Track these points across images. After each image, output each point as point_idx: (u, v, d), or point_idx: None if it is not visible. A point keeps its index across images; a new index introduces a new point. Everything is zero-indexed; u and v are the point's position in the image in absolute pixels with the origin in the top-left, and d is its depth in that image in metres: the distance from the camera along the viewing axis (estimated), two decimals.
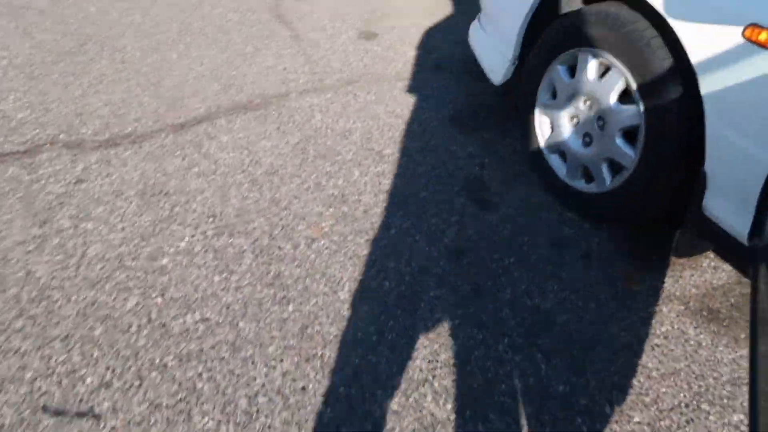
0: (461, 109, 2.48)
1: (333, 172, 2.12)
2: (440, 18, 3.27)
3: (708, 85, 1.41)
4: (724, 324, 1.64)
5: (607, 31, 1.67)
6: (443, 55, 2.89)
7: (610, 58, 1.69)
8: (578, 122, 1.89)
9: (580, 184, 1.94)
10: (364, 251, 1.81)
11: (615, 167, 1.80)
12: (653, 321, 1.64)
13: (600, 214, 1.90)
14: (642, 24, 1.60)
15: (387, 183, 2.08)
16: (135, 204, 1.94)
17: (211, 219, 1.90)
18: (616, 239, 1.88)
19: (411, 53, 2.90)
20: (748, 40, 1.30)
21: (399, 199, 2.01)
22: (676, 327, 1.62)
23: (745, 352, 1.56)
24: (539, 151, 2.07)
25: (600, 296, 1.70)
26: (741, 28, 1.31)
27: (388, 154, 2.22)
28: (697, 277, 1.77)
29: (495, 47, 2.22)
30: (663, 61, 1.55)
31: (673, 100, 1.54)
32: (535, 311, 1.65)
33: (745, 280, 1.76)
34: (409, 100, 2.53)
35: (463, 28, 3.11)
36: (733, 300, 1.71)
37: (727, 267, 1.80)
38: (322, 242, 1.83)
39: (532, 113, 2.07)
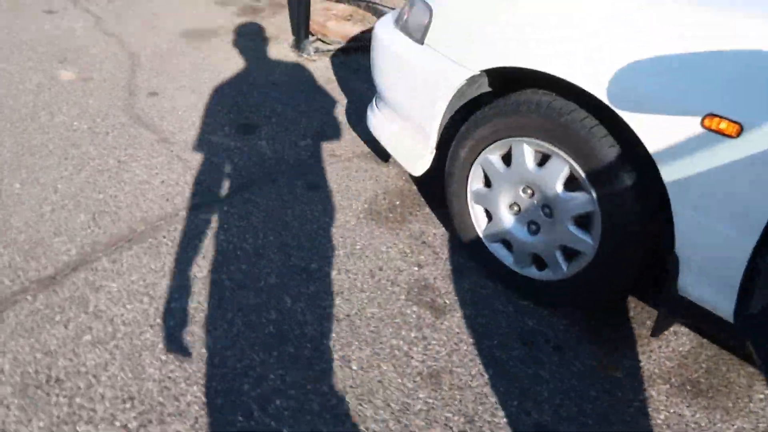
0: (374, 201, 2.32)
1: (261, 305, 1.82)
2: (319, 101, 3.11)
3: (670, 173, 1.40)
4: (709, 396, 1.63)
5: (542, 119, 1.63)
6: (333, 139, 2.73)
7: (550, 147, 1.65)
8: (519, 210, 1.83)
9: (532, 272, 1.87)
10: (332, 401, 1.54)
11: (569, 252, 1.76)
12: (649, 409, 1.59)
13: (557, 300, 1.84)
14: (579, 113, 1.57)
15: (327, 305, 1.83)
16: (15, 409, 1.47)
17: (128, 404, 1.49)
18: (577, 323, 1.83)
19: (301, 142, 2.70)
20: (708, 129, 1.31)
21: (347, 323, 1.77)
22: (672, 411, 1.58)
23: (740, 421, 1.56)
24: (478, 240, 1.98)
25: (590, 393, 1.61)
26: (699, 118, 1.32)
27: (315, 269, 1.97)
28: (665, 348, 1.77)
29: (407, 136, 2.11)
30: (610, 148, 1.53)
31: (628, 187, 1.52)
32: (538, 428, 1.51)
33: (706, 342, 1.79)
34: (317, 198, 2.31)
35: (332, 109, 2.99)
36: (704, 366, 1.72)
37: (684, 330, 1.83)
38: (279, 402, 1.53)
39: (465, 203, 1.97)
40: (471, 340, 1.75)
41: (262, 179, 2.41)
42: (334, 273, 1.96)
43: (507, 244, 1.92)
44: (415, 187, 2.42)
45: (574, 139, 1.58)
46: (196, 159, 2.53)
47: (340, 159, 2.58)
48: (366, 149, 2.66)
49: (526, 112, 1.66)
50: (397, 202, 2.34)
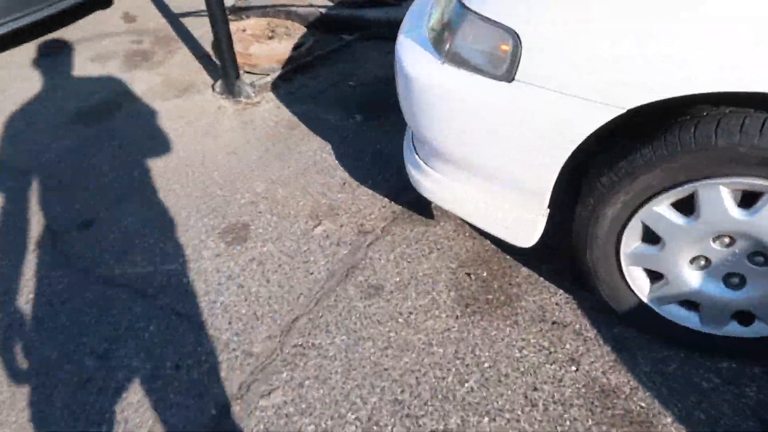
0: (458, 284, 1.77)
1: None
2: (300, 159, 2.43)
3: None
4: None
5: (755, 149, 1.15)
6: (349, 210, 2.11)
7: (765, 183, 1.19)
8: (709, 264, 1.37)
9: (734, 329, 1.43)
10: None
11: None
12: None
13: None
14: None
15: None
16: None
17: None
18: None
19: (315, 230, 2.05)
20: None
21: None
22: None
23: None
24: (643, 307, 1.51)
25: None
26: None
27: None
28: None
29: (501, 200, 1.56)
30: None
31: None
32: None
33: None
34: (388, 308, 1.73)
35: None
36: None
37: None
38: None
39: (616, 267, 1.48)
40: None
41: (304, 308, 1.77)
42: (489, 423, 1.42)
43: (689, 304, 1.47)
44: (491, 244, 1.89)
45: None
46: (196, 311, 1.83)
47: (376, 235, 1.98)
48: (397, 208, 2.07)
49: (725, 144, 1.17)
50: (485, 274, 1.80)
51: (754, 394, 1.42)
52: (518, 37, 1.31)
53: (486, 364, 1.55)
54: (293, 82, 2.90)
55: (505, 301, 1.71)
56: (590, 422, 1.40)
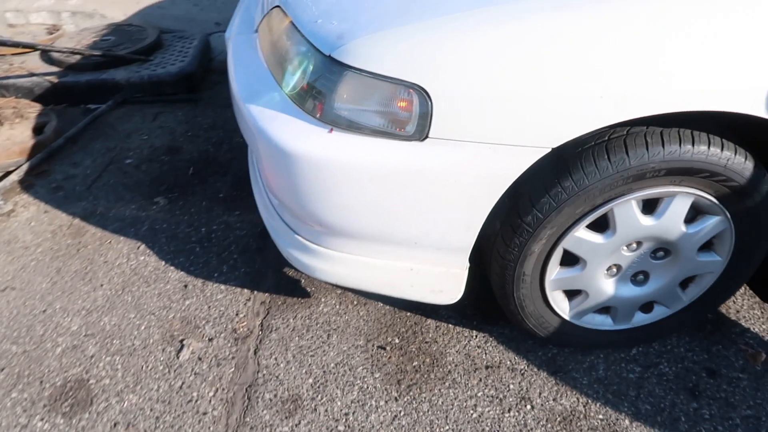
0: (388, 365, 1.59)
1: None
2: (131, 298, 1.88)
3: None
4: None
5: (667, 162, 1.26)
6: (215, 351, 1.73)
7: (670, 190, 1.31)
8: (618, 270, 1.46)
9: (641, 319, 1.57)
10: None
11: (685, 282, 1.52)
12: None
13: (672, 330, 1.61)
14: (711, 141, 1.26)
15: None
16: None
17: None
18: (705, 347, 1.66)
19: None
20: None
21: None
22: None
23: None
24: (566, 326, 1.55)
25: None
26: None
27: None
28: None
29: (424, 264, 1.43)
30: (746, 162, 1.28)
31: (763, 190, 1.33)
32: None
33: None
34: None
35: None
36: None
37: None
38: None
39: (541, 298, 1.49)
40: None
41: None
42: None
43: (604, 310, 1.56)
44: (383, 305, 1.75)
45: (705, 169, 1.28)
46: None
47: (257, 336, 1.65)
48: (264, 296, 1.77)
49: (638, 163, 1.25)
50: (398, 341, 1.65)
51: (668, 368, 1.59)
52: (426, 92, 1.21)
53: None
54: (52, 175, 2.29)
55: (431, 362, 1.60)
56: None
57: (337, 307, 1.76)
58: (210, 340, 1.65)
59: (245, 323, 1.70)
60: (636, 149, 1.25)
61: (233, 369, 1.57)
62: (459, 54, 1.18)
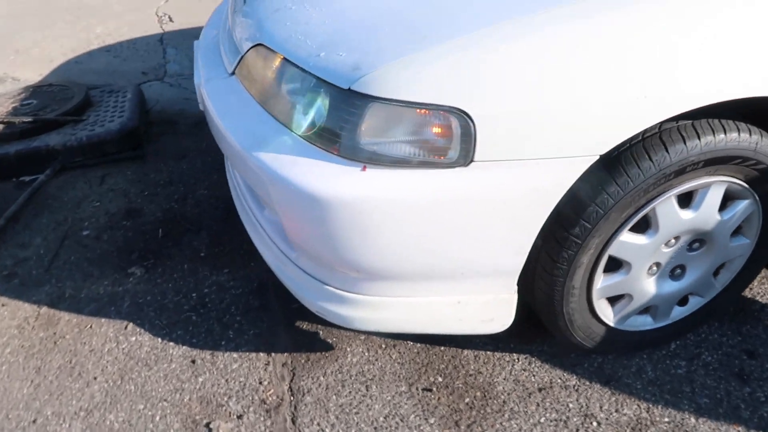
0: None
1: None
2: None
3: None
4: None
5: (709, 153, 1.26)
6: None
7: (706, 181, 1.31)
8: (660, 267, 1.45)
9: (679, 313, 1.57)
10: None
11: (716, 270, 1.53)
12: None
13: (709, 318, 1.63)
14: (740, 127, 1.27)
15: None
16: None
17: None
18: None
19: None
20: None
21: None
22: None
23: None
24: (612, 332, 1.52)
25: None
26: None
27: None
28: None
29: (472, 294, 1.35)
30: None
31: None
32: None
33: None
34: None
35: None
36: None
37: None
38: None
39: (588, 311, 1.45)
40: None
41: None
42: None
43: (646, 311, 1.54)
44: (414, 344, 1.64)
45: (738, 155, 1.29)
46: None
47: (290, 403, 1.49)
48: (284, 358, 1.61)
49: (678, 159, 1.24)
50: (441, 379, 1.55)
51: (710, 357, 1.59)
52: (467, 114, 1.14)
53: None
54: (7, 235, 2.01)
55: (483, 396, 1.51)
56: None
57: (366, 354, 1.64)
58: (239, 417, 1.48)
59: (272, 391, 1.54)
60: (674, 145, 1.24)
61: None
62: (496, 70, 1.13)
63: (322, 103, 1.26)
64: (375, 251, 1.26)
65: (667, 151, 1.24)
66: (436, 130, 1.17)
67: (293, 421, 1.47)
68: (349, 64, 1.22)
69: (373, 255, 1.27)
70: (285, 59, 1.38)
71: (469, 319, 1.40)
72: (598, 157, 1.19)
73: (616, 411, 1.47)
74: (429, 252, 1.27)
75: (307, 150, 1.26)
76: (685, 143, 1.24)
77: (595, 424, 1.44)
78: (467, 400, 1.51)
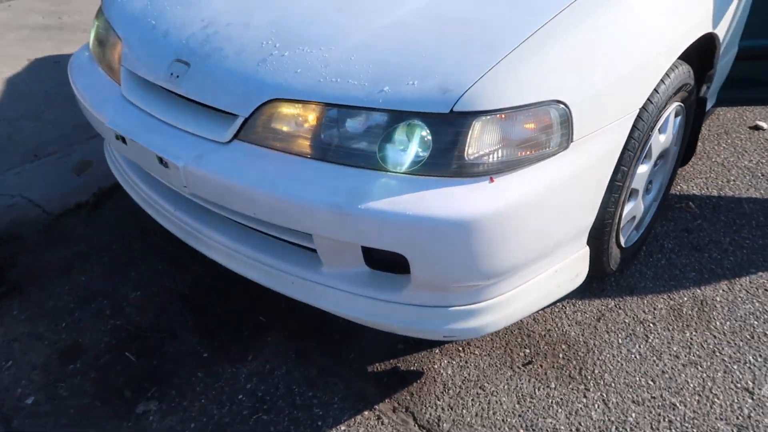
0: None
1: None
2: None
3: None
4: None
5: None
6: None
7: (675, 104, 1.73)
8: (649, 186, 1.84)
9: (649, 217, 1.98)
10: None
11: None
12: None
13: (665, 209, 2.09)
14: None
15: None
16: None
17: None
18: None
19: None
20: None
21: None
22: None
23: None
24: (623, 250, 1.84)
25: None
26: None
27: None
28: None
29: (562, 264, 1.51)
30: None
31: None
32: None
33: None
34: None
35: None
36: None
37: None
38: None
39: (615, 237, 1.73)
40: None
41: None
42: None
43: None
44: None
45: (689, 83, 1.73)
46: None
47: None
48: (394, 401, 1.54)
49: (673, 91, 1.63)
50: (528, 351, 1.67)
51: (669, 243, 2.04)
52: (564, 103, 1.28)
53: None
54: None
55: (568, 347, 1.71)
56: None
57: (454, 362, 1.68)
58: None
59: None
60: (665, 83, 1.58)
61: None
62: (572, 59, 1.31)
63: (420, 133, 1.26)
64: (506, 254, 1.33)
65: (658, 91, 1.58)
66: (539, 125, 1.29)
67: None
68: (435, 89, 1.25)
69: (504, 258, 1.34)
70: (330, 105, 1.32)
71: (563, 282, 1.56)
72: (638, 110, 1.46)
73: (655, 308, 1.81)
74: (542, 236, 1.39)
75: (421, 184, 1.26)
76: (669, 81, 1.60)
77: (651, 325, 1.76)
78: (560, 355, 1.69)
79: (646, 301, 1.83)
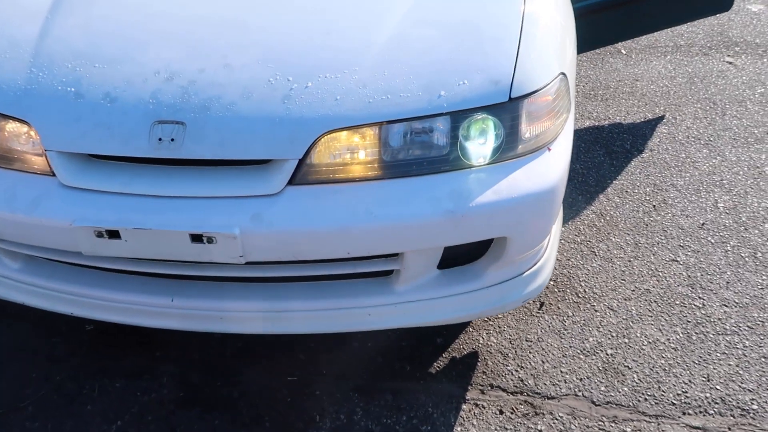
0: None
1: None
2: None
3: None
4: None
5: None
6: None
7: None
8: None
9: None
10: None
11: None
12: None
13: None
14: None
15: None
16: None
17: None
18: None
19: None
20: None
21: None
22: None
23: None
24: None
25: None
26: None
27: None
28: None
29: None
30: None
31: None
32: None
33: None
34: None
35: None
36: None
37: None
38: None
39: None
40: None
41: None
42: None
43: None
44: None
45: None
46: None
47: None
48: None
49: None
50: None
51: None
52: (564, 74, 1.53)
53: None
54: None
55: (564, 284, 1.99)
56: None
57: (491, 332, 1.82)
58: None
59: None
60: None
61: None
62: (555, 37, 1.58)
63: (491, 125, 1.37)
64: (558, 209, 1.54)
65: None
66: (556, 95, 1.50)
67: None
68: (487, 83, 1.38)
69: (557, 213, 1.54)
70: (389, 122, 1.33)
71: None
72: None
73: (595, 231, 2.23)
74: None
75: (505, 169, 1.38)
76: None
77: (601, 244, 2.17)
78: (556, 289, 1.97)
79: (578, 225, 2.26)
